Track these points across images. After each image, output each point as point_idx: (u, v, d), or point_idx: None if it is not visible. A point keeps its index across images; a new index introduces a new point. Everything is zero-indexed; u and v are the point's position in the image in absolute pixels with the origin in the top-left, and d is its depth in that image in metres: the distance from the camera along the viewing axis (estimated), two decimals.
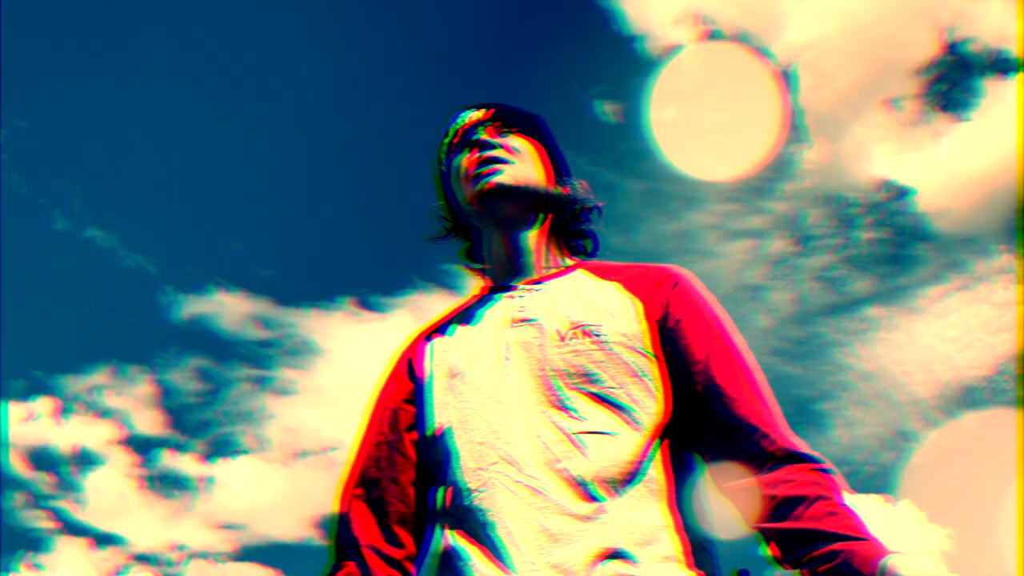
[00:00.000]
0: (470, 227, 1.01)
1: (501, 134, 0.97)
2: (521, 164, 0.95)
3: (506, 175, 0.93)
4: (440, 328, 0.94)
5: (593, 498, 0.73)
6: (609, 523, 0.71)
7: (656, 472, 0.76)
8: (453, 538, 0.76)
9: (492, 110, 1.00)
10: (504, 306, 0.90)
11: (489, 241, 0.97)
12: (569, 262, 0.96)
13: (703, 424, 0.80)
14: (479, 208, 0.94)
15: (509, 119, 0.99)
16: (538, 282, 0.92)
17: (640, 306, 0.85)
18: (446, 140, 1.01)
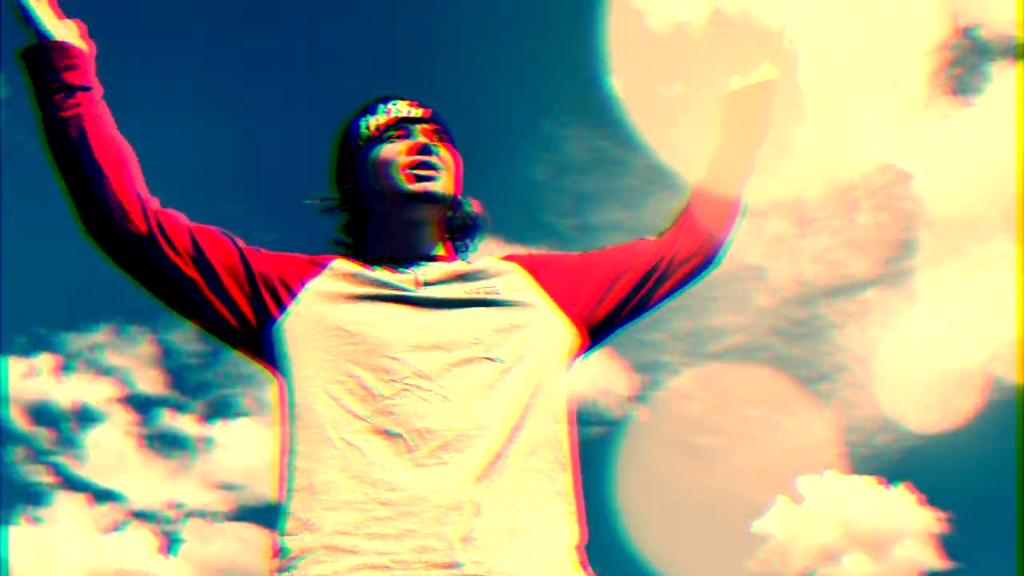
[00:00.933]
0: (364, 206, 1.05)
1: (435, 138, 1.03)
2: (449, 177, 1.02)
3: (439, 185, 1.00)
4: (339, 270, 0.98)
5: (488, 404, 0.86)
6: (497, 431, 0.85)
7: (546, 396, 0.91)
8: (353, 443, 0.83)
9: (430, 111, 1.05)
10: (404, 272, 0.97)
11: (386, 223, 1.02)
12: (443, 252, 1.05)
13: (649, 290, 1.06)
14: (401, 202, 1.00)
15: (440, 125, 1.05)
16: (431, 260, 1.01)
17: (518, 267, 1.00)
18: (373, 121, 1.04)
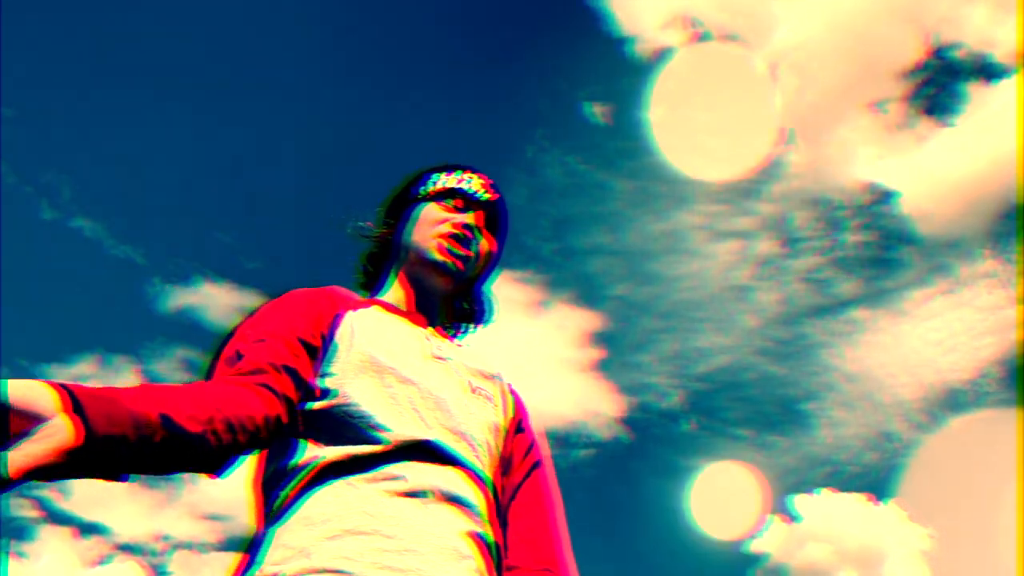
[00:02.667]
0: (392, 248, 1.08)
1: (484, 226, 1.06)
2: (475, 266, 1.05)
3: (465, 266, 1.03)
4: (359, 310, 0.96)
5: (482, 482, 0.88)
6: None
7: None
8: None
9: (496, 197, 1.08)
10: (420, 337, 0.97)
11: (403, 273, 1.04)
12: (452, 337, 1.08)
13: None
14: (420, 262, 1.02)
15: (495, 217, 1.08)
16: (442, 335, 1.03)
17: (512, 402, 1.00)
18: (442, 180, 1.07)
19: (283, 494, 0.81)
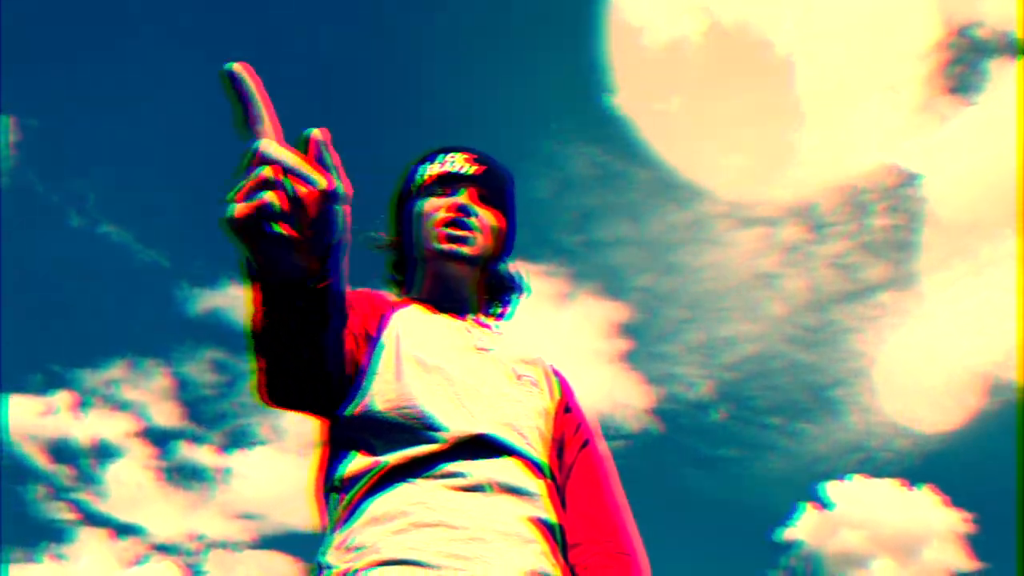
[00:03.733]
0: (408, 252, 1.08)
1: (480, 201, 1.04)
2: (483, 242, 1.04)
3: (469, 247, 1.02)
4: (400, 310, 0.98)
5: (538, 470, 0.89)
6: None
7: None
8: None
9: (483, 168, 1.06)
10: (461, 330, 0.99)
11: (423, 272, 1.05)
12: (492, 323, 1.08)
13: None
14: (431, 257, 1.03)
15: (491, 187, 1.06)
16: (481, 326, 1.03)
17: (557, 384, 1.01)
18: (428, 171, 1.06)
19: (347, 499, 0.84)
